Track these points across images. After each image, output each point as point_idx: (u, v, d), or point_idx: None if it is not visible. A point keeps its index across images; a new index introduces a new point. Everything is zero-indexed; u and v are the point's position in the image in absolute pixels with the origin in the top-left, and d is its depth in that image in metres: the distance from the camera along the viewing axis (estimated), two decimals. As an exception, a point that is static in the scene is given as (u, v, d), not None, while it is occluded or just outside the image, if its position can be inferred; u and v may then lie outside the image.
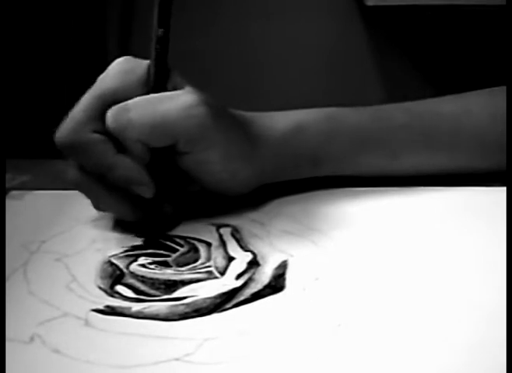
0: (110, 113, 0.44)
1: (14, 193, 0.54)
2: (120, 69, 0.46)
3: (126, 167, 0.45)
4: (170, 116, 0.44)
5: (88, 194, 0.46)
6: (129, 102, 0.44)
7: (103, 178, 0.45)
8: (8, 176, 0.56)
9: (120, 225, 0.48)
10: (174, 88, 0.46)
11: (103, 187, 0.45)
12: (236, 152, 0.47)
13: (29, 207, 0.52)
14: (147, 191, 0.45)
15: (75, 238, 0.47)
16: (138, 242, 0.46)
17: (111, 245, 0.46)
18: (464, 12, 0.72)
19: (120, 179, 0.45)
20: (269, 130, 0.50)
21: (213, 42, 0.75)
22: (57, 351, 0.35)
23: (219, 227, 0.48)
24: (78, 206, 0.48)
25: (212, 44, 0.75)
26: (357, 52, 0.76)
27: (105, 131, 0.44)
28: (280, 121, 0.51)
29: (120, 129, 0.44)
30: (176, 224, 0.48)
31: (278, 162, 0.50)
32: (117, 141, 0.45)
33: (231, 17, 0.75)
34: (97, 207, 0.47)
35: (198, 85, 0.47)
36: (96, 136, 0.44)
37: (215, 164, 0.46)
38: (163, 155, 0.46)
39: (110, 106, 0.44)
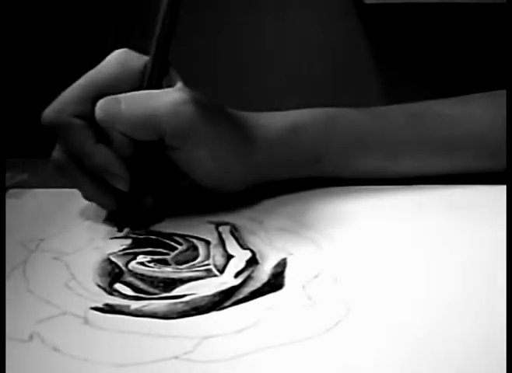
0: (101, 104, 0.45)
1: (13, 191, 0.54)
2: (118, 60, 0.46)
3: (103, 157, 0.45)
4: (158, 113, 0.44)
5: (67, 178, 0.47)
6: (121, 95, 0.45)
7: (81, 163, 0.46)
8: (7, 175, 0.56)
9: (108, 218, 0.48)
10: (169, 85, 0.46)
11: (81, 173, 0.46)
12: (227, 150, 0.48)
13: (28, 205, 0.52)
14: (122, 184, 0.46)
15: (73, 237, 0.47)
16: (138, 238, 0.46)
17: (110, 243, 0.46)
18: (462, 10, 0.72)
19: (96, 168, 0.45)
20: (266, 130, 0.50)
21: (212, 41, 0.75)
22: (56, 349, 0.35)
23: (218, 225, 0.48)
24: (77, 204, 0.48)
25: (211, 44, 0.75)
26: (355, 51, 0.76)
27: (87, 118, 0.45)
28: (278, 121, 0.51)
29: (109, 120, 0.45)
30: (158, 219, 0.48)
31: (275, 162, 0.50)
32: (98, 129, 0.45)
33: (230, 17, 0.75)
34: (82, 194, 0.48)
35: (196, 83, 0.47)
36: (78, 120, 0.45)
37: (205, 161, 0.47)
38: (149, 149, 0.46)
39: (100, 94, 0.45)
